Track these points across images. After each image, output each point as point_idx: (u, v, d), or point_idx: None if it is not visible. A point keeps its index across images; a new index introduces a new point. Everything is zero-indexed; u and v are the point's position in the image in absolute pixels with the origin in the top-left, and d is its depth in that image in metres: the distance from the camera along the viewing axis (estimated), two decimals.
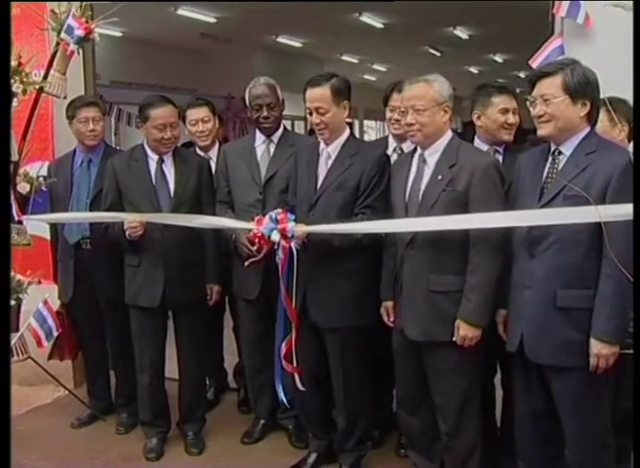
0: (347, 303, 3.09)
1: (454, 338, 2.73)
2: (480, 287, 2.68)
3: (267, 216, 3.00)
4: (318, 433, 3.39)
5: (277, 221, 2.96)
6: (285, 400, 3.33)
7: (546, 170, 2.56)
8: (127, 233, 3.32)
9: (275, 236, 2.97)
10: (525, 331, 2.55)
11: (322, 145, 3.16)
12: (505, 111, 3.09)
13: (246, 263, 3.20)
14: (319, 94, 3.05)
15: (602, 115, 2.67)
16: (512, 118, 3.10)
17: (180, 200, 3.44)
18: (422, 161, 2.84)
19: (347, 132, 3.16)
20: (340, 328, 3.11)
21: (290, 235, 2.96)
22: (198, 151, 3.95)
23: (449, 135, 2.83)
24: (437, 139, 2.81)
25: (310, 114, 3.08)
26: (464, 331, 2.70)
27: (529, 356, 2.55)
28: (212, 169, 3.69)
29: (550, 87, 2.47)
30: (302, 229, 2.97)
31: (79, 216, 3.65)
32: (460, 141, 2.85)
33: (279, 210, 3.03)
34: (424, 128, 2.78)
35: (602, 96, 2.56)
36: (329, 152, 3.14)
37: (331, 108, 3.04)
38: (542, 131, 2.52)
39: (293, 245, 2.99)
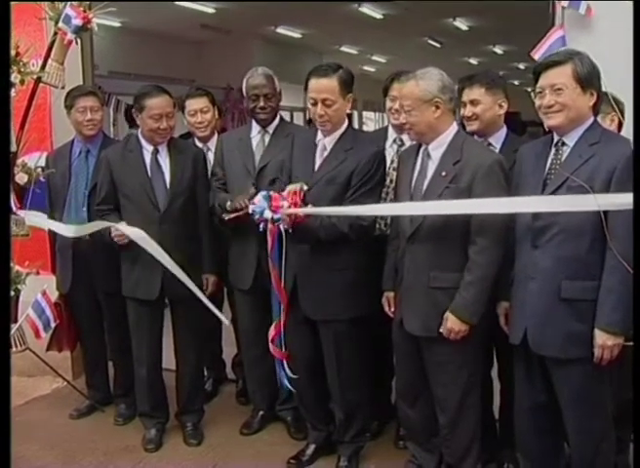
0: (339, 296, 3.07)
1: (440, 329, 2.73)
2: (475, 283, 2.67)
3: (260, 195, 2.97)
4: (317, 424, 3.39)
5: (270, 199, 2.94)
6: (289, 385, 3.24)
7: (549, 161, 2.54)
8: (114, 239, 3.35)
9: (267, 214, 2.94)
10: (529, 323, 2.54)
11: (319, 136, 3.13)
12: (463, 104, 3.08)
13: (225, 216, 3.23)
14: (327, 85, 2.98)
15: None
16: (467, 110, 3.05)
17: (176, 192, 3.43)
18: (427, 155, 2.81)
19: (346, 124, 3.11)
20: (333, 320, 3.10)
21: (279, 217, 2.93)
22: (197, 142, 3.93)
23: (453, 129, 2.79)
24: (438, 135, 2.77)
25: (314, 105, 3.01)
26: (452, 324, 2.69)
27: (533, 348, 2.54)
28: (208, 160, 3.68)
29: (561, 76, 2.44)
30: (295, 210, 2.94)
31: (67, 228, 3.60)
32: (465, 136, 2.82)
33: (272, 192, 3.00)
34: (415, 126, 2.77)
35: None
36: (325, 144, 3.10)
37: (337, 100, 2.99)
38: (553, 121, 2.48)
39: (282, 226, 2.97)
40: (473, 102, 3.03)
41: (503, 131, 3.12)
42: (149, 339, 3.53)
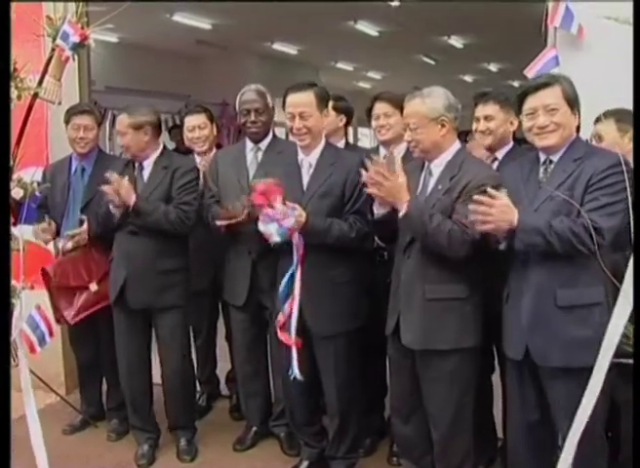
0: (340, 310, 3.10)
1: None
2: None
3: (260, 223, 3.01)
4: (309, 441, 3.39)
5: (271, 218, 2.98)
6: (299, 375, 3.08)
7: (539, 179, 2.57)
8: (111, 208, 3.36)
9: (276, 229, 2.96)
10: (530, 337, 2.52)
11: (301, 156, 3.17)
12: (477, 119, 3.16)
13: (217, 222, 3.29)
14: (303, 98, 3.06)
15: (610, 126, 2.77)
16: (482, 125, 3.13)
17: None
18: (429, 173, 2.84)
19: (324, 140, 3.19)
20: (335, 335, 3.12)
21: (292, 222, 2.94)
22: (196, 157, 3.98)
23: (456, 147, 2.81)
24: (441, 152, 2.79)
25: (292, 119, 3.07)
26: None
27: (536, 360, 2.52)
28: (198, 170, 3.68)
29: (553, 97, 2.48)
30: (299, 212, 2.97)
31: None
32: (465, 155, 2.84)
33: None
34: (420, 144, 2.78)
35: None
36: (310, 162, 3.15)
37: (314, 113, 3.06)
38: (547, 141, 2.51)
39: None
40: (487, 118, 3.12)
41: (510, 145, 3.20)
42: (128, 353, 3.55)
